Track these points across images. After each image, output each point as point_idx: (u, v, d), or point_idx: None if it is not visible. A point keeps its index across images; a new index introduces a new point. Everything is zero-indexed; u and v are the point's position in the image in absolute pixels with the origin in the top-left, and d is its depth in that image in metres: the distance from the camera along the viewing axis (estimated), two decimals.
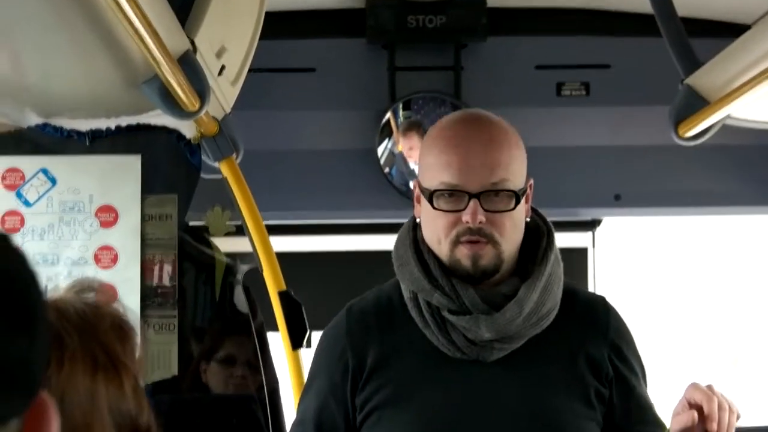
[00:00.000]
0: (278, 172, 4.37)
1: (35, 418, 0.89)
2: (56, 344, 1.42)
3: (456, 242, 2.25)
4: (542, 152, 4.23)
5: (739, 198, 4.48)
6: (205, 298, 3.52)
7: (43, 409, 0.90)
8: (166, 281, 3.32)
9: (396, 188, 4.41)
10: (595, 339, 2.34)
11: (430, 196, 2.27)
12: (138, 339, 1.50)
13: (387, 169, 4.45)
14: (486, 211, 2.23)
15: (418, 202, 2.34)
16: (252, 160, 3.69)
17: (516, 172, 2.27)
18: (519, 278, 2.30)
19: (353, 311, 2.39)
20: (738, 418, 2.11)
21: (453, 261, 2.26)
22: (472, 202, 2.22)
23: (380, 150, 4.44)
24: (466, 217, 2.23)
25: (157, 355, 3.30)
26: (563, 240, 4.20)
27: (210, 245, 3.51)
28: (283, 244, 4.57)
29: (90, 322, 1.45)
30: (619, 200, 4.51)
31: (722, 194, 4.47)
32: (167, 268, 3.32)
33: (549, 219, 2.39)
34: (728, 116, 3.20)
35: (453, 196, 2.25)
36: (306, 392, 2.42)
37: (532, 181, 2.33)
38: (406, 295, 2.34)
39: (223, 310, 3.57)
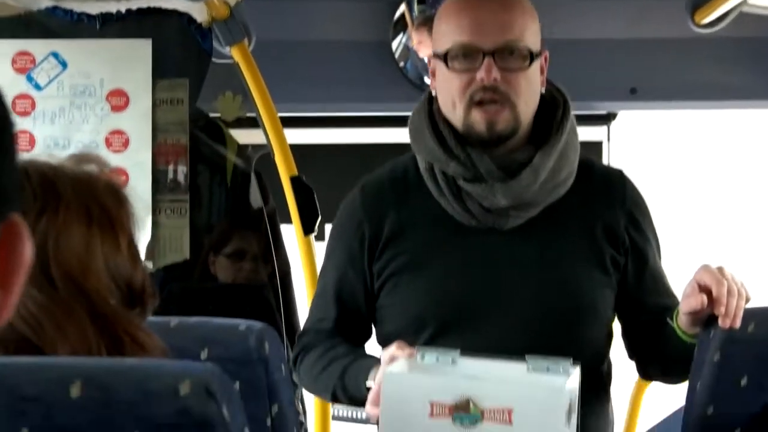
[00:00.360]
0: (290, 62, 4.33)
1: (6, 240, 0.88)
2: (52, 194, 1.43)
3: (470, 104, 2.24)
4: (558, 45, 4.15)
5: (756, 91, 4.43)
6: (219, 197, 3.52)
7: (15, 230, 0.89)
8: (178, 166, 3.32)
9: (411, 81, 4.39)
10: (611, 208, 2.34)
11: (445, 57, 2.26)
12: (132, 207, 1.50)
13: (402, 63, 4.42)
14: (501, 69, 2.22)
15: (434, 75, 2.33)
16: (264, 49, 3.65)
17: (530, 34, 2.26)
18: (534, 147, 2.29)
19: (368, 185, 2.41)
20: (747, 301, 2.10)
21: (468, 126, 2.26)
22: (486, 60, 2.22)
23: (395, 43, 4.41)
24: (480, 74, 2.22)
25: (168, 238, 3.31)
26: (578, 134, 4.16)
27: (224, 140, 3.49)
28: (295, 136, 4.56)
29: (85, 183, 1.46)
30: (635, 94, 4.46)
31: (739, 87, 4.42)
32: (179, 155, 3.31)
33: None
34: (746, 2, 3.15)
35: (467, 56, 2.24)
36: (325, 266, 2.44)
37: (547, 53, 2.32)
38: (421, 166, 2.34)
39: (234, 204, 3.57)
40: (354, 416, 3.43)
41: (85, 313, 1.41)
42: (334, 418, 3.38)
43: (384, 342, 2.31)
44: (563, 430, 1.91)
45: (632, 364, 2.46)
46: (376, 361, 2.20)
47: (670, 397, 3.00)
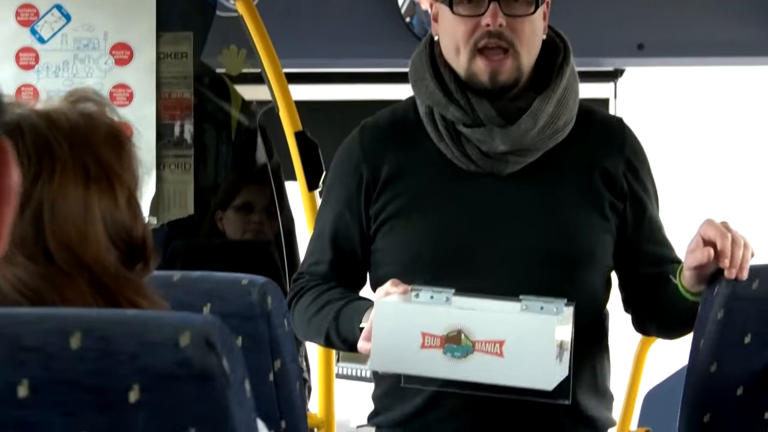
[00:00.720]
0: (296, 17, 4.31)
1: None
2: (47, 154, 1.40)
3: (474, 51, 2.24)
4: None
5: (765, 48, 4.40)
6: (225, 154, 3.51)
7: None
8: (183, 120, 3.31)
9: (417, 37, 4.36)
10: (610, 154, 2.33)
11: (450, 2, 2.25)
12: (134, 150, 1.48)
13: (408, 19, 4.39)
14: (506, 15, 2.22)
15: (435, 20, 2.33)
16: (269, 4, 3.63)
17: None
18: (534, 93, 2.29)
19: (367, 126, 2.40)
20: (753, 255, 2.09)
21: (470, 74, 2.26)
22: (492, 5, 2.22)
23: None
24: (486, 20, 2.22)
25: (173, 193, 3.30)
26: (584, 90, 4.12)
27: (228, 96, 3.48)
28: (300, 92, 4.54)
29: (83, 133, 1.43)
30: (642, 49, 4.43)
31: (748, 43, 4.39)
32: (184, 109, 3.30)
33: None
34: None
35: (472, 1, 2.24)
36: (322, 206, 2.45)
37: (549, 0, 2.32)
38: (421, 110, 2.33)
39: (239, 157, 3.56)
40: (358, 374, 3.42)
41: (85, 283, 1.39)
42: (338, 376, 3.38)
43: (378, 287, 2.27)
44: (554, 363, 1.93)
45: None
46: (370, 304, 2.20)
47: (674, 356, 3.00)
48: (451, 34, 2.27)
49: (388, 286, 2.09)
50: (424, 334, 1.95)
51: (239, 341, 1.89)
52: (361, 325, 2.17)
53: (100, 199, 1.41)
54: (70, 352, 1.17)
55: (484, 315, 1.96)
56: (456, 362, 1.94)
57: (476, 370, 1.95)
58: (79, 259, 1.39)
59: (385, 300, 2.05)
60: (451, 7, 2.25)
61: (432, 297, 2.02)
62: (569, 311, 1.99)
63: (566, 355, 1.98)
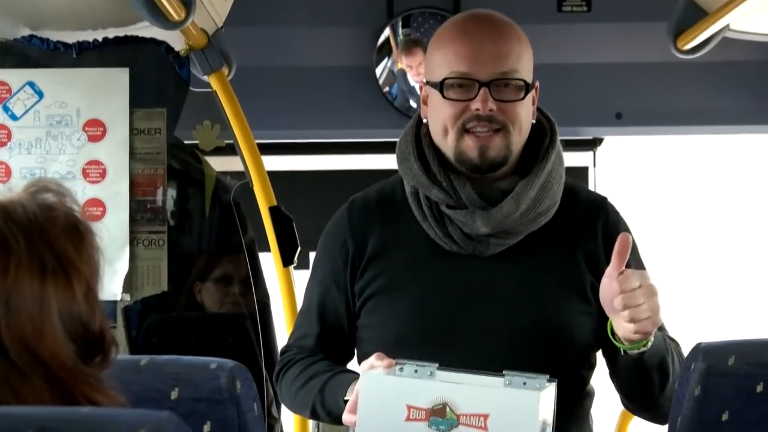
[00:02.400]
0: (272, 89, 4.32)
1: None
2: (2, 248, 1.37)
3: (462, 131, 2.25)
4: (542, 69, 4.13)
5: (743, 116, 4.42)
6: (200, 226, 3.50)
7: None
8: (156, 197, 3.30)
9: (395, 107, 4.37)
10: (592, 236, 2.34)
11: (440, 86, 2.26)
12: (95, 240, 1.46)
13: (387, 88, 4.40)
14: (496, 100, 2.23)
15: (425, 103, 2.34)
16: (246, 76, 3.64)
17: (525, 65, 2.28)
18: (519, 176, 2.30)
19: (356, 202, 2.42)
20: (655, 306, 2.09)
21: (459, 152, 2.27)
22: (483, 90, 2.23)
23: (379, 69, 4.39)
24: (476, 104, 2.23)
25: (146, 270, 3.28)
26: (564, 159, 4.13)
27: (202, 170, 3.47)
28: (278, 162, 4.54)
29: (41, 226, 1.41)
30: (621, 119, 4.46)
31: (724, 112, 4.41)
32: (157, 185, 3.29)
33: None
34: (727, 28, 3.15)
35: (463, 86, 2.25)
36: (311, 279, 2.46)
37: (538, 84, 2.32)
38: (407, 189, 2.35)
39: (213, 230, 3.54)
40: None
41: (41, 380, 1.36)
42: None
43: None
44: None
45: (615, 395, 2.44)
46: (355, 377, 2.20)
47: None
48: (440, 117, 2.28)
49: (372, 359, 2.09)
50: (409, 407, 1.95)
51: (208, 426, 1.87)
52: (346, 398, 2.17)
53: (57, 293, 1.39)
54: None
55: (470, 389, 1.96)
56: None
57: None
58: (35, 355, 1.36)
59: (371, 372, 2.05)
60: (441, 91, 2.26)
61: (416, 371, 2.02)
62: (552, 387, 1.98)
63: (549, 430, 1.97)
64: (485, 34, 2.26)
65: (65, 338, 1.39)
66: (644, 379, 2.23)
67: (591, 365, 2.38)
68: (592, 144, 4.82)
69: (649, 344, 2.16)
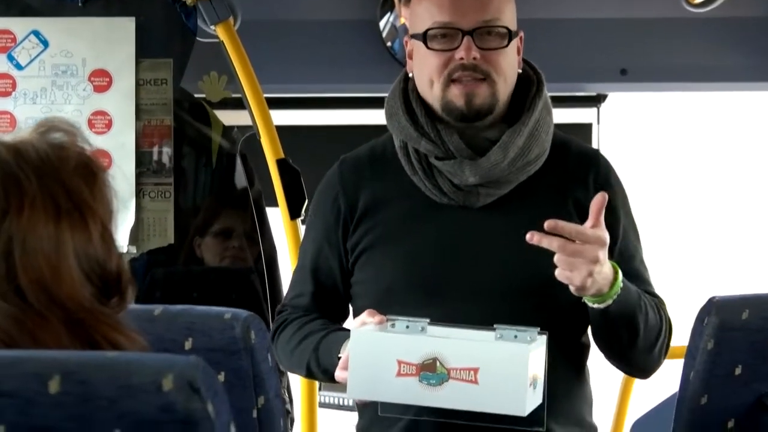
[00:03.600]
0: (277, 42, 4.28)
1: None
2: (15, 189, 1.35)
3: (448, 82, 2.26)
4: (546, 24, 4.14)
5: (748, 73, 4.39)
6: (205, 180, 3.48)
7: None
8: (163, 148, 3.28)
9: (399, 62, 4.34)
10: (583, 186, 2.34)
11: (423, 37, 2.26)
12: (108, 179, 1.44)
13: (389, 43, 4.37)
14: (480, 48, 2.25)
15: (410, 57, 2.35)
16: (250, 29, 3.61)
17: (508, 14, 2.29)
18: (506, 125, 2.30)
19: (346, 161, 2.43)
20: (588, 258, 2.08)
21: (445, 102, 2.27)
22: (466, 39, 2.24)
23: (382, 23, 4.36)
24: (460, 54, 2.24)
25: (153, 222, 3.27)
26: (567, 115, 4.11)
27: (209, 122, 3.45)
28: (282, 117, 4.51)
29: (53, 165, 1.39)
30: (626, 75, 4.42)
31: (731, 69, 4.38)
32: (164, 136, 3.27)
33: (552, 93, 2.39)
34: None
35: (446, 36, 2.26)
36: (304, 239, 2.48)
37: (522, 34, 2.34)
38: (396, 144, 2.36)
39: (219, 183, 3.53)
40: (341, 403, 3.40)
41: (59, 321, 1.35)
42: (321, 405, 3.35)
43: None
44: (527, 390, 1.95)
45: None
46: (349, 334, 2.19)
47: (661, 384, 2.97)
48: (425, 68, 2.28)
49: (364, 316, 2.11)
50: (399, 362, 1.97)
51: (222, 376, 1.86)
52: (340, 355, 2.18)
53: (73, 234, 1.37)
54: (48, 397, 1.14)
55: (459, 343, 1.98)
56: (431, 390, 1.96)
57: (451, 397, 1.96)
58: (53, 297, 1.35)
59: (361, 329, 2.07)
60: (425, 42, 2.26)
61: (407, 327, 2.04)
62: (542, 340, 2.00)
63: (540, 383, 2.00)
64: None
65: (82, 279, 1.38)
66: (610, 333, 2.24)
67: (584, 317, 2.34)
68: (596, 100, 4.79)
69: (608, 301, 2.16)
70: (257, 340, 1.89)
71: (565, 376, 2.30)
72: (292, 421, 3.51)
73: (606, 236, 2.13)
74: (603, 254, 2.12)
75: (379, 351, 1.99)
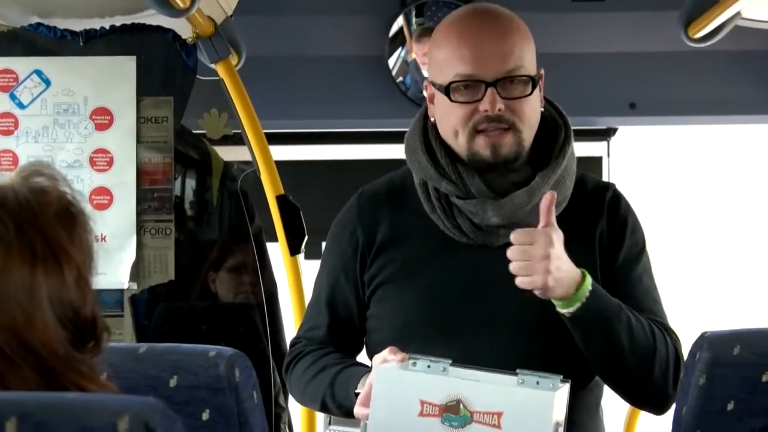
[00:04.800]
0: (285, 78, 4.31)
1: None
2: None
3: (474, 133, 2.25)
4: (557, 59, 4.14)
5: (756, 105, 4.40)
6: (210, 219, 3.49)
7: None
8: (164, 185, 3.29)
9: (408, 98, 4.35)
10: (599, 223, 2.34)
11: (446, 90, 2.26)
12: (88, 223, 1.44)
13: (400, 78, 4.39)
14: (503, 98, 2.23)
15: (431, 101, 2.34)
16: (257, 65, 3.63)
17: (529, 59, 2.27)
18: (530, 168, 2.29)
19: (365, 193, 2.42)
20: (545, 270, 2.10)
21: (472, 153, 2.26)
22: (490, 91, 2.23)
23: (393, 58, 4.38)
24: (484, 105, 2.23)
25: (153, 259, 3.28)
26: (578, 149, 4.10)
27: (209, 159, 3.46)
28: (290, 152, 4.53)
29: (32, 210, 1.39)
30: (635, 108, 4.44)
31: (739, 101, 4.39)
32: (165, 173, 3.28)
33: None
34: (739, 15, 3.12)
35: (469, 87, 2.25)
36: (320, 270, 2.46)
37: (543, 71, 2.31)
38: (416, 180, 2.35)
39: (227, 219, 3.54)
40: None
41: (30, 368, 1.35)
42: None
43: (373, 352, 2.30)
44: None
45: None
46: (366, 370, 2.21)
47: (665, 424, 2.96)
48: (449, 119, 2.28)
49: (386, 353, 2.08)
50: (422, 402, 1.95)
51: (207, 414, 1.86)
52: (357, 391, 2.17)
53: (47, 280, 1.38)
54: None
55: (484, 386, 1.96)
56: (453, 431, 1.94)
57: None
58: (25, 343, 1.35)
59: (385, 366, 2.04)
60: (448, 95, 2.26)
61: (429, 366, 2.01)
62: (565, 387, 1.98)
63: (561, 430, 1.96)
64: (486, 32, 2.25)
65: (56, 325, 1.38)
66: (587, 344, 2.21)
67: None
68: (606, 134, 4.80)
69: (577, 304, 2.15)
70: (242, 377, 1.88)
71: (582, 413, 2.29)
72: None
73: (554, 234, 2.13)
74: (555, 250, 2.11)
75: (402, 389, 1.97)
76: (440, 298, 2.28)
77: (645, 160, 5.19)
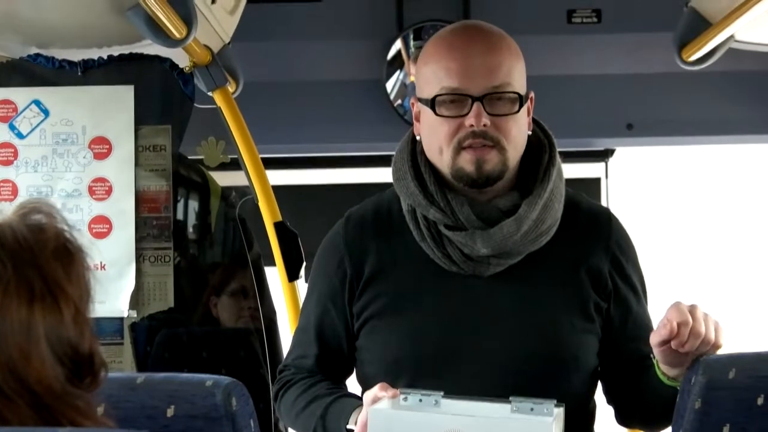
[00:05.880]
0: (283, 103, 4.33)
1: None
2: None
3: (459, 149, 2.21)
4: (553, 81, 4.17)
5: (753, 126, 4.41)
6: (208, 245, 3.50)
7: None
8: (162, 213, 3.30)
9: (406, 121, 4.37)
10: (596, 251, 2.30)
11: (432, 103, 2.21)
12: (85, 259, 1.46)
13: (398, 101, 4.40)
14: (490, 114, 2.18)
15: (417, 119, 2.29)
16: (255, 91, 3.64)
17: (517, 77, 2.23)
18: (518, 193, 2.26)
19: (351, 219, 2.38)
20: (714, 346, 2.07)
21: (456, 169, 2.22)
22: (476, 105, 2.18)
23: (391, 82, 4.40)
24: (469, 120, 2.19)
25: (153, 287, 3.28)
26: (576, 170, 4.12)
27: (207, 186, 3.47)
28: (288, 177, 4.54)
29: (30, 249, 1.41)
30: (632, 129, 4.45)
31: (736, 122, 4.40)
32: (163, 201, 3.30)
33: (561, 149, 2.34)
34: (732, 38, 3.13)
35: (455, 102, 2.20)
36: (307, 297, 2.42)
37: (533, 94, 2.28)
38: (404, 207, 2.30)
39: (227, 244, 3.55)
40: None
41: (27, 405, 1.36)
42: None
43: (364, 384, 2.30)
44: None
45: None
46: (357, 402, 2.19)
47: None
48: (434, 134, 2.23)
49: (376, 390, 2.06)
50: None
51: None
52: (349, 426, 2.15)
53: (45, 318, 1.39)
54: None
55: (479, 420, 1.94)
56: None
57: None
58: (22, 380, 1.36)
59: (378, 408, 2.02)
60: (434, 108, 2.21)
61: (421, 400, 2.01)
62: (560, 412, 1.97)
63: None
64: (474, 46, 2.21)
65: (54, 362, 1.39)
66: (672, 402, 2.15)
67: (593, 383, 2.35)
68: (603, 155, 4.81)
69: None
70: (239, 406, 1.89)
71: None
72: None
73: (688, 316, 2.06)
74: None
75: (397, 429, 1.96)
76: (430, 332, 2.25)
77: (643, 181, 5.19)
